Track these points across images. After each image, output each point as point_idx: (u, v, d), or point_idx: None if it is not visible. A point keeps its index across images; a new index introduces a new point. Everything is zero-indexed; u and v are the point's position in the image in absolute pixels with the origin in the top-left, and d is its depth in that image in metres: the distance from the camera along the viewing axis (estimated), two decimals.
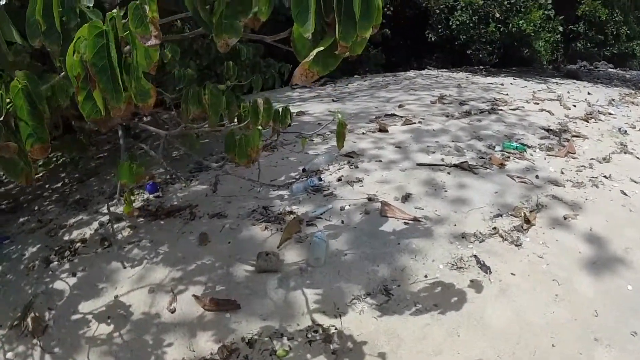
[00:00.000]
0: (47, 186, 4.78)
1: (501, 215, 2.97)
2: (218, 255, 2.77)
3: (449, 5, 9.77)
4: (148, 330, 2.30)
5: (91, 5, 1.51)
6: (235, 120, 2.56)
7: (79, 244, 3.21)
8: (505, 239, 2.72)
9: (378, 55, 11.19)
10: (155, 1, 1.27)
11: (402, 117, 5.13)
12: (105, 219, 3.53)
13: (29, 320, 2.42)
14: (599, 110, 5.98)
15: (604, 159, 4.10)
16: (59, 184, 4.65)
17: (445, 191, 3.26)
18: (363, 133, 4.64)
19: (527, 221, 2.87)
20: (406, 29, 12.00)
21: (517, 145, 4.20)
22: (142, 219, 3.40)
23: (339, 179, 3.50)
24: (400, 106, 5.71)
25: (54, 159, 5.28)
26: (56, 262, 2.97)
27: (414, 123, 4.85)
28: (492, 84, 7.87)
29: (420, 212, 2.99)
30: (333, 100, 6.52)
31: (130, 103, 1.44)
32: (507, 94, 6.75)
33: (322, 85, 8.47)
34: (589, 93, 7.24)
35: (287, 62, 4.32)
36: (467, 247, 2.65)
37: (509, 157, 3.96)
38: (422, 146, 4.14)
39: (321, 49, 1.24)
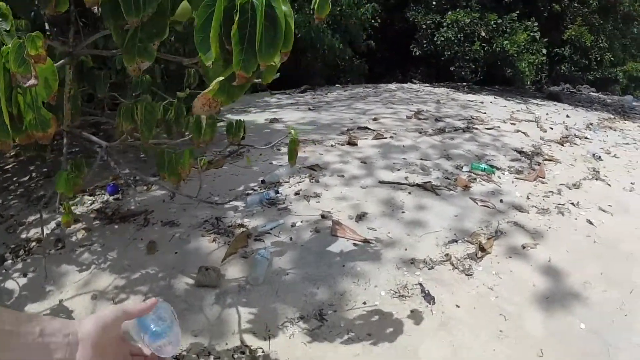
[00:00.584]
0: (14, 179, 4.64)
1: (456, 241, 2.80)
2: (163, 266, 2.65)
3: (435, 22, 9.61)
4: None
5: (7, 28, 1.41)
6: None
7: (34, 244, 3.05)
8: (456, 267, 2.54)
9: (361, 66, 11.03)
10: (41, 38, 1.17)
11: (374, 130, 4.96)
12: (58, 219, 3.42)
13: None
14: (575, 134, 5.82)
15: (574, 185, 3.94)
16: (26, 178, 4.51)
17: (403, 212, 3.09)
18: (332, 145, 4.47)
19: (482, 249, 2.70)
20: (392, 42, 11.87)
21: (486, 166, 4.04)
22: (97, 222, 3.27)
23: (297, 193, 3.34)
24: (374, 119, 5.55)
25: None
26: (10, 261, 2.85)
27: (385, 138, 4.69)
28: (471, 101, 7.70)
29: (373, 233, 2.83)
30: (309, 109, 6.35)
31: (29, 135, 1.35)
32: (485, 113, 6.58)
33: (302, 93, 8.33)
34: (567, 116, 7.10)
35: None
36: (414, 274, 2.47)
37: (475, 179, 3.79)
38: (388, 163, 3.97)
39: (221, 78, 1.14)
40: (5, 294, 2.53)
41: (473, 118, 6.10)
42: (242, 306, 2.30)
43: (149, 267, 2.65)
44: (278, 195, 3.26)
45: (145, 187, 3.70)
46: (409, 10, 10.27)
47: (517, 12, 8.87)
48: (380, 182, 3.53)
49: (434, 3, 10.33)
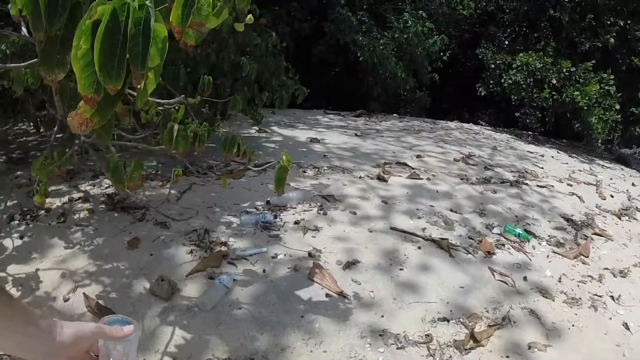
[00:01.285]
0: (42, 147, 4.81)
1: (448, 320, 2.27)
2: (134, 264, 2.52)
3: (505, 62, 8.66)
4: (39, 308, 2.12)
5: None
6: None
7: (42, 212, 3.14)
8: (432, 355, 2.04)
9: (423, 99, 10.29)
10: None
11: (412, 169, 4.48)
12: (77, 195, 3.45)
13: None
14: (637, 207, 4.81)
15: (621, 272, 3.15)
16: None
17: (401, 269, 2.63)
18: (360, 177, 4.06)
19: (475, 339, 2.16)
20: (462, 78, 11.07)
21: (521, 232, 3.38)
22: (103, 206, 3.26)
23: (297, 222, 3.00)
24: (418, 156, 5.03)
25: None
26: (17, 222, 2.94)
27: (421, 179, 4.18)
28: (531, 152, 6.81)
29: (355, 286, 2.41)
30: (356, 135, 5.96)
31: None
32: (542, 167, 5.73)
33: (357, 117, 7.92)
34: (633, 184, 5.93)
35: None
36: (376, 349, 2.02)
37: (503, 245, 3.18)
38: (411, 207, 3.50)
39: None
40: None
41: (527, 172, 5.30)
42: (180, 327, 2.05)
43: (122, 261, 2.56)
44: (276, 220, 2.97)
45: (160, 183, 3.65)
46: (480, 47, 9.45)
47: (593, 61, 7.81)
48: (392, 228, 3.08)
49: (507, 42, 9.44)
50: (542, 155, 6.75)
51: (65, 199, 3.35)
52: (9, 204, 3.31)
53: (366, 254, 2.74)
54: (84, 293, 2.25)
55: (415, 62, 9.39)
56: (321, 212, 3.19)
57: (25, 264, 2.52)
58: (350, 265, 2.59)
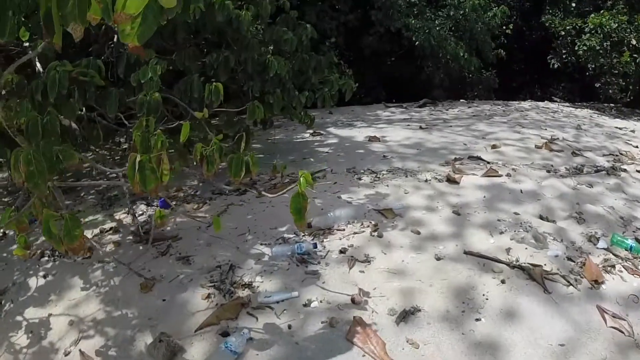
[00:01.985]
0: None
1: None
2: (143, 312, 2.11)
3: (576, 27, 7.18)
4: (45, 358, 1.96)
5: None
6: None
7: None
8: None
9: (490, 79, 8.93)
10: None
11: (487, 163, 3.58)
12: (110, 225, 3.12)
13: None
14: None
15: None
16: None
17: (478, 319, 1.87)
18: (426, 180, 3.27)
19: None
20: (529, 52, 9.56)
21: (634, 244, 2.41)
22: (130, 238, 2.89)
23: (343, 251, 2.33)
24: (493, 146, 4.08)
25: None
26: (46, 257, 2.67)
27: (499, 176, 3.28)
28: (619, 128, 5.52)
29: (411, 352, 1.70)
30: (420, 128, 5.09)
31: None
32: (637, 146, 4.52)
33: (420, 107, 6.93)
34: None
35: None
36: None
37: (613, 266, 2.26)
38: (491, 218, 2.67)
39: None
40: (22, 289, 2.44)
41: (621, 153, 4.17)
42: None
43: (132, 307, 2.16)
44: (316, 250, 2.36)
45: (196, 206, 3.19)
46: (545, 14, 8.00)
47: None
48: (466, 252, 2.31)
49: (574, 5, 7.87)
50: (633, 131, 5.45)
51: (98, 230, 3.03)
52: (42, 238, 3.06)
53: (430, 295, 2.01)
54: (80, 350, 1.94)
55: (477, 40, 8.18)
56: (375, 234, 2.50)
57: (42, 307, 2.29)
58: (406, 316, 1.87)
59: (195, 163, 2.08)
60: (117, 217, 3.20)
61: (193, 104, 2.53)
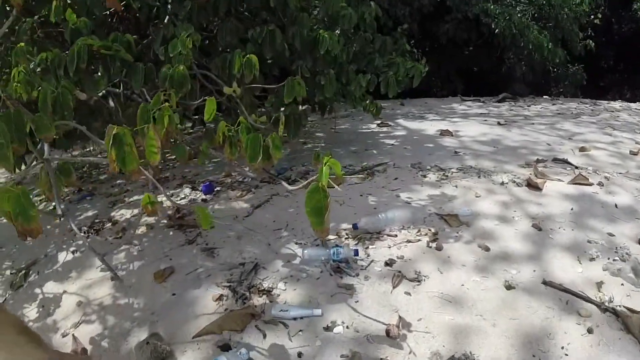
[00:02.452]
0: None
1: None
2: (149, 304, 1.85)
3: None
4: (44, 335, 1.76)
5: None
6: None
7: (108, 225, 2.70)
8: None
9: (578, 74, 7.63)
10: None
11: (575, 168, 2.86)
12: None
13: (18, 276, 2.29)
14: None
15: None
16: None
17: None
18: (502, 183, 2.66)
19: None
20: (618, 47, 8.12)
21: None
22: (164, 221, 2.65)
23: (388, 263, 1.85)
24: (582, 149, 3.30)
25: None
26: (83, 233, 2.54)
27: (590, 184, 2.58)
28: None
29: None
30: (498, 124, 4.36)
31: None
32: None
33: (499, 102, 6.07)
34: None
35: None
36: None
37: None
38: (580, 237, 2.04)
39: None
40: (50, 262, 2.36)
41: None
42: None
43: (140, 297, 1.92)
44: (356, 257, 1.92)
45: (239, 194, 2.87)
46: (637, 1, 6.68)
47: None
48: (545, 282, 1.72)
49: None
50: None
51: (137, 210, 2.84)
52: (89, 213, 2.94)
53: (491, 340, 1.46)
54: (73, 334, 1.76)
55: (563, 28, 7.03)
56: (433, 245, 1.99)
57: (60, 282, 2.16)
58: None
59: (219, 144, 1.74)
60: (159, 199, 3.00)
61: (232, 81, 2.19)
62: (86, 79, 2.05)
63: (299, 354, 1.42)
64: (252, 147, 1.53)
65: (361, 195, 2.56)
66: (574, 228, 2.15)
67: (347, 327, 1.53)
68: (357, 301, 1.65)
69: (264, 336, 1.52)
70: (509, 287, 1.73)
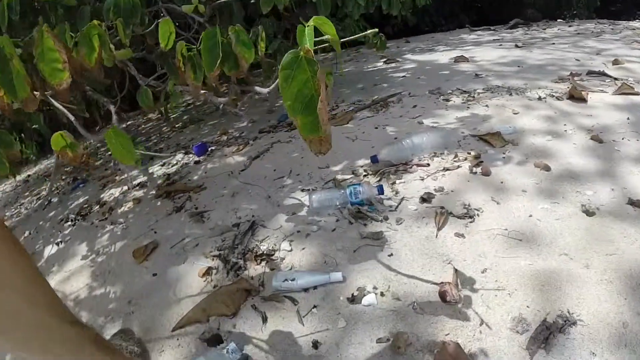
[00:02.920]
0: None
1: None
2: (125, 291, 1.35)
3: None
4: None
5: None
6: None
7: (96, 208, 2.19)
8: None
9: None
10: None
11: (615, 79, 2.21)
12: (141, 180, 2.39)
13: None
14: None
15: None
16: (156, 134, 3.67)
17: None
18: (539, 98, 2.05)
19: None
20: None
21: None
22: (153, 192, 2.13)
23: (425, 199, 1.29)
24: (615, 62, 2.61)
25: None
26: (68, 223, 2.09)
27: (637, 94, 1.96)
28: None
29: None
30: (516, 46, 3.61)
31: None
32: None
33: (511, 28, 5.18)
34: None
35: None
36: None
37: None
38: None
39: None
40: (37, 258, 1.88)
41: None
42: None
43: (117, 284, 1.42)
44: (381, 197, 1.37)
45: (235, 149, 2.31)
46: None
47: None
48: (633, 202, 1.16)
49: None
50: None
51: (125, 188, 2.32)
52: (80, 200, 2.43)
53: (590, 289, 0.91)
54: None
55: None
56: (478, 170, 1.41)
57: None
58: (551, 337, 0.81)
59: (180, 68, 1.17)
60: (150, 171, 2.47)
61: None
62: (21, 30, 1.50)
63: (315, 344, 0.89)
64: (208, 49, 0.95)
65: (376, 128, 1.97)
66: (639, 138, 1.54)
67: (382, 293, 0.98)
68: (391, 254, 1.10)
69: (264, 319, 0.99)
70: (588, 212, 1.16)
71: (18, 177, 3.65)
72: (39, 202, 2.70)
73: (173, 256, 1.41)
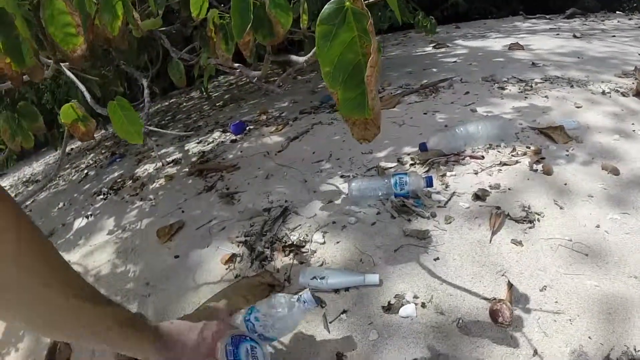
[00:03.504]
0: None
1: None
2: (144, 272, 1.28)
3: None
4: None
5: None
6: None
7: (129, 183, 2.16)
8: None
9: None
10: None
11: None
12: (176, 157, 2.34)
13: None
14: None
15: None
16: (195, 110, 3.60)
17: None
18: (603, 92, 1.81)
19: None
20: None
21: None
22: (186, 169, 2.06)
23: (479, 197, 1.12)
24: None
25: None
26: (101, 197, 2.06)
27: None
28: None
29: None
30: (574, 36, 3.29)
31: None
32: None
33: (568, 18, 4.75)
34: None
35: None
36: None
37: None
38: None
39: None
40: (66, 230, 1.85)
41: None
42: None
43: (139, 263, 1.35)
44: (430, 190, 1.21)
45: (273, 129, 2.20)
46: None
47: None
48: None
49: None
50: None
51: (160, 164, 2.28)
52: (115, 174, 2.42)
53: None
54: None
55: None
56: (538, 167, 1.23)
57: (68, 252, 1.64)
58: None
59: (213, 38, 1.06)
60: (186, 148, 2.42)
61: None
62: None
63: (339, 356, 0.76)
64: (239, 12, 0.83)
65: (425, 114, 1.80)
66: None
67: (423, 304, 0.84)
68: (437, 258, 0.95)
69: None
70: None
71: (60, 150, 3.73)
72: (77, 174, 2.72)
73: (197, 238, 1.33)
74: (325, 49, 0.49)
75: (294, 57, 0.94)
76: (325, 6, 0.48)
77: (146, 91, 1.58)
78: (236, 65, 1.19)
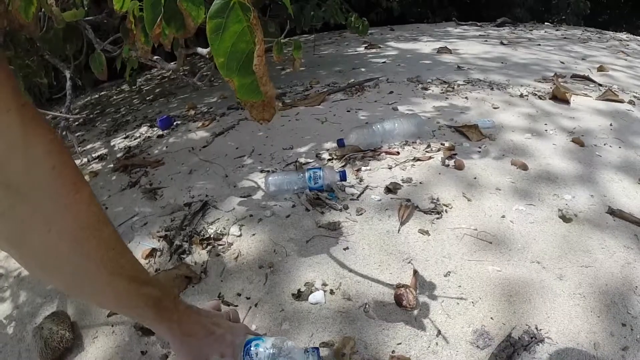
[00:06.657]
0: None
1: None
2: None
3: None
4: None
5: None
6: None
7: None
8: None
9: (581, 2, 6.54)
10: None
11: (600, 85, 2.14)
12: (102, 152, 2.19)
13: None
14: None
15: None
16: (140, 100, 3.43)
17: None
18: (521, 95, 1.96)
19: None
20: None
21: None
22: (111, 165, 1.95)
23: (391, 189, 1.17)
24: (600, 69, 2.52)
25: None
26: None
27: (621, 101, 1.88)
28: None
29: None
30: (501, 43, 3.51)
31: None
32: None
33: (498, 26, 5.04)
34: None
35: None
36: None
37: None
38: (631, 156, 1.39)
39: None
40: None
41: None
42: None
43: None
44: (343, 184, 1.25)
45: (200, 124, 2.15)
46: None
47: None
48: (612, 211, 1.07)
49: None
50: None
51: (86, 159, 2.13)
52: None
53: (561, 302, 0.82)
54: None
55: None
56: (451, 162, 1.31)
57: None
58: (515, 354, 0.72)
59: (132, 30, 1.01)
60: (112, 144, 2.28)
61: None
62: None
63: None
64: (151, 5, 0.80)
65: (348, 111, 1.84)
66: (621, 145, 1.47)
67: (332, 291, 0.87)
68: (347, 248, 0.98)
69: None
70: (565, 218, 1.07)
71: None
72: None
73: (120, 235, 1.27)
74: (217, 42, 0.49)
75: (199, 50, 0.92)
76: (214, 2, 0.47)
77: (68, 83, 1.48)
78: (155, 57, 1.14)
